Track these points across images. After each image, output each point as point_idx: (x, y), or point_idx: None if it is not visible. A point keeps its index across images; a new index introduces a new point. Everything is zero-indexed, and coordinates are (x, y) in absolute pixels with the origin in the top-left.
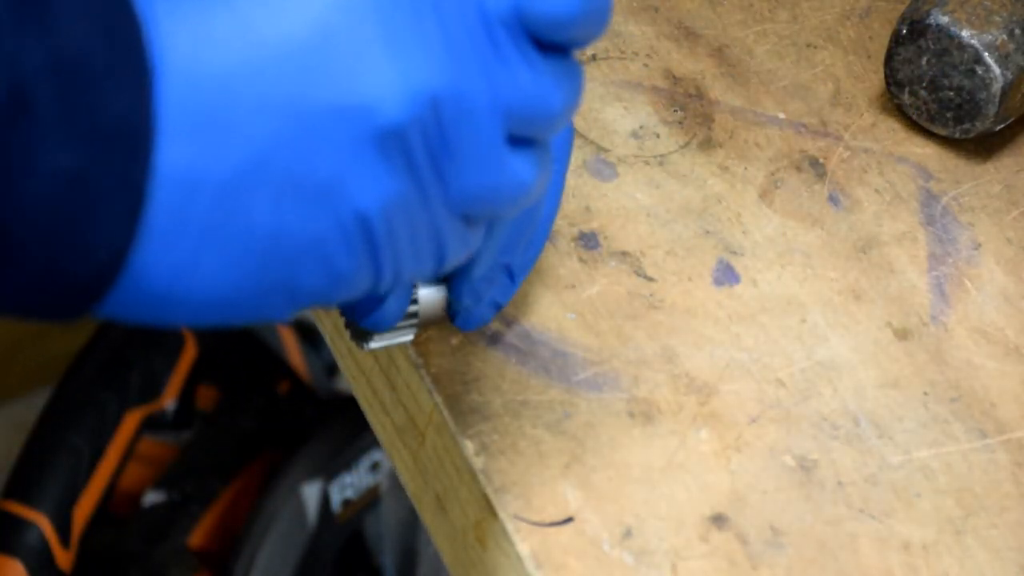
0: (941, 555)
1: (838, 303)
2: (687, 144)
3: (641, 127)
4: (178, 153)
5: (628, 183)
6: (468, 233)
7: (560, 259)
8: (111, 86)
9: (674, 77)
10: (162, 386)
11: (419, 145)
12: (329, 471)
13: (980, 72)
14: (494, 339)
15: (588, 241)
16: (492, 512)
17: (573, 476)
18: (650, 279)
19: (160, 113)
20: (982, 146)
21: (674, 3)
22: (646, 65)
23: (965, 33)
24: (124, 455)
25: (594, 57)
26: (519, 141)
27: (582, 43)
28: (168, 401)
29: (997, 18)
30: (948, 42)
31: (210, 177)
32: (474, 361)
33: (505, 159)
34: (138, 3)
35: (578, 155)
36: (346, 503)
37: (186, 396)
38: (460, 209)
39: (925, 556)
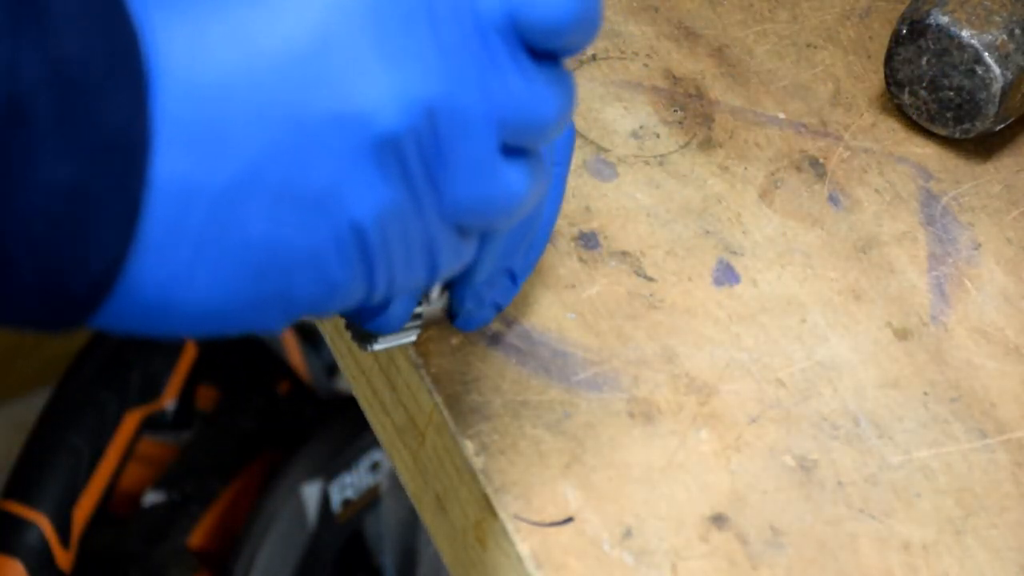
0: (941, 555)
1: (838, 303)
2: (687, 144)
3: (641, 127)
4: (174, 163)
5: (628, 183)
6: (461, 244)
7: (560, 259)
8: (108, 97)
9: (674, 77)
10: (162, 386)
11: (414, 154)
12: (329, 471)
13: (980, 72)
14: (494, 339)
15: (588, 241)
16: (492, 512)
17: (573, 476)
18: (650, 279)
19: (156, 124)
20: (982, 146)
21: (674, 3)
22: (646, 65)
23: (965, 33)
24: (124, 455)
25: (594, 57)
26: (513, 151)
27: (574, 50)
28: (168, 401)
29: (997, 18)
30: (948, 42)
31: (206, 187)
32: (474, 361)
33: (499, 169)
34: (135, 13)
35: (578, 155)
36: (346, 503)
37: (186, 396)
38: (453, 219)
39: (925, 556)
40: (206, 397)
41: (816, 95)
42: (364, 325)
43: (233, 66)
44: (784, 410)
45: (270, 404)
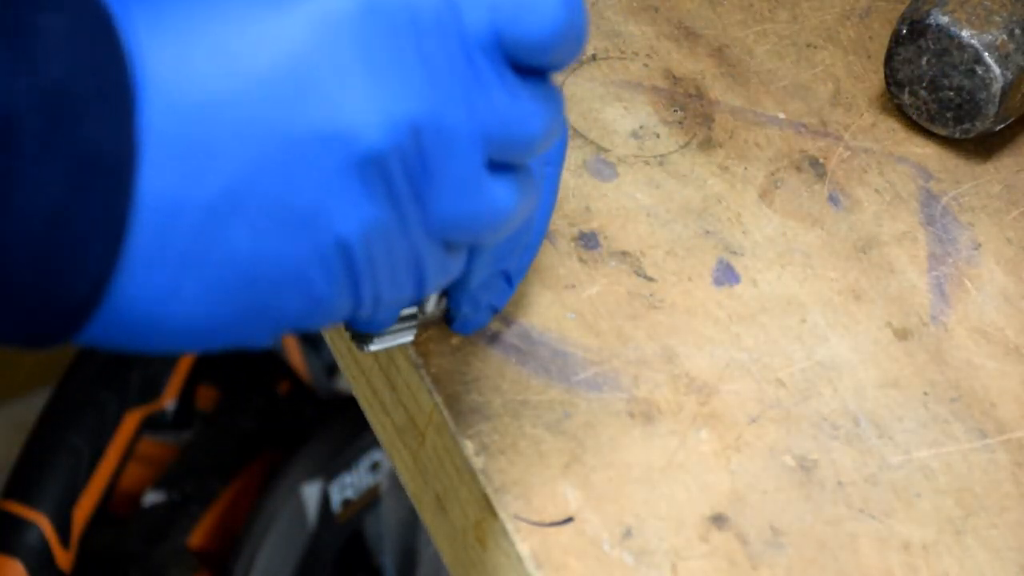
0: (941, 555)
1: (838, 303)
2: (687, 144)
3: (641, 127)
4: (159, 181)
5: (628, 183)
6: (448, 259)
7: (560, 259)
8: (95, 117)
9: (674, 77)
10: (162, 386)
11: (399, 172)
12: (329, 471)
13: (980, 72)
14: (494, 339)
15: (588, 241)
16: (492, 512)
17: (573, 476)
18: (650, 279)
19: (142, 142)
20: (982, 146)
21: (674, 3)
22: (646, 65)
23: (965, 33)
24: (124, 455)
25: (594, 57)
26: (499, 167)
27: (560, 66)
28: (168, 401)
29: (997, 18)
30: (948, 42)
31: (191, 205)
32: (474, 361)
33: (485, 186)
34: (123, 31)
35: (578, 155)
36: (346, 503)
37: (186, 396)
38: (440, 235)
39: (925, 556)
40: (206, 397)
41: (816, 95)
42: (353, 326)
43: (219, 84)
44: (784, 410)
45: (270, 404)
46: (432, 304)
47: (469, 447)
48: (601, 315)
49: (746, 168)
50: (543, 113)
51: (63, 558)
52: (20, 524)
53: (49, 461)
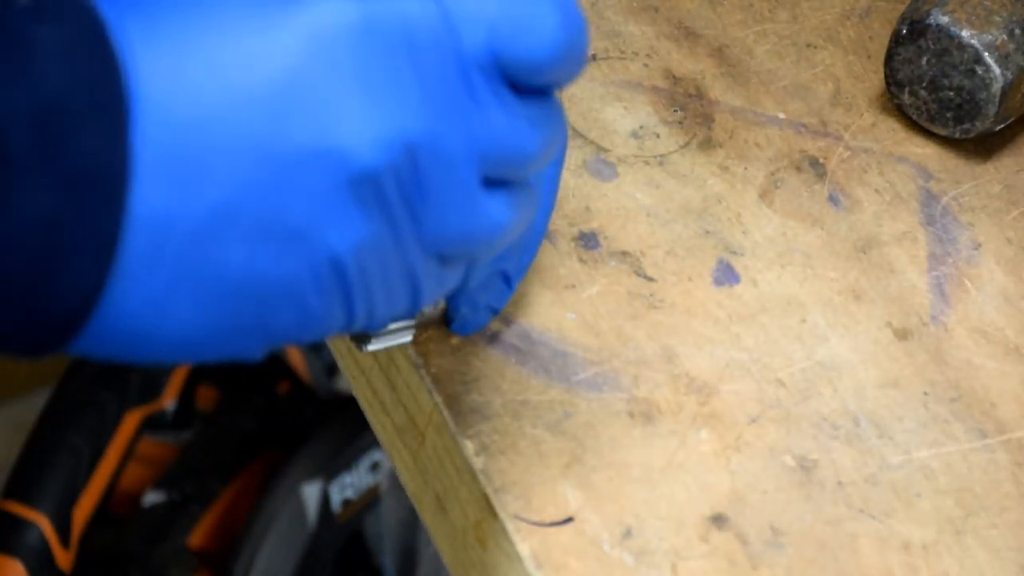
0: (941, 555)
1: (838, 303)
2: (687, 144)
3: (641, 127)
4: (152, 196)
5: (628, 183)
6: (444, 273)
7: (560, 259)
8: (89, 131)
9: (674, 77)
10: (162, 386)
11: (393, 190)
12: (329, 471)
13: (980, 72)
14: (494, 339)
15: (588, 241)
16: (492, 512)
17: (573, 476)
18: (650, 279)
19: (136, 156)
20: (982, 146)
21: (674, 3)
22: (646, 65)
23: (965, 33)
24: (124, 455)
25: (594, 57)
26: (495, 182)
27: (559, 85)
28: (168, 401)
29: (997, 18)
30: (948, 42)
31: (183, 220)
32: (474, 361)
33: (480, 202)
34: (117, 44)
35: (578, 155)
36: (346, 503)
37: (186, 396)
38: (435, 251)
39: (925, 556)
40: (206, 397)
41: (816, 95)
42: None
43: (213, 98)
44: (784, 410)
45: (270, 404)
46: (430, 305)
47: (469, 447)
48: (601, 315)
49: (746, 168)
50: (540, 132)
51: (63, 558)
52: (20, 524)
53: (49, 461)
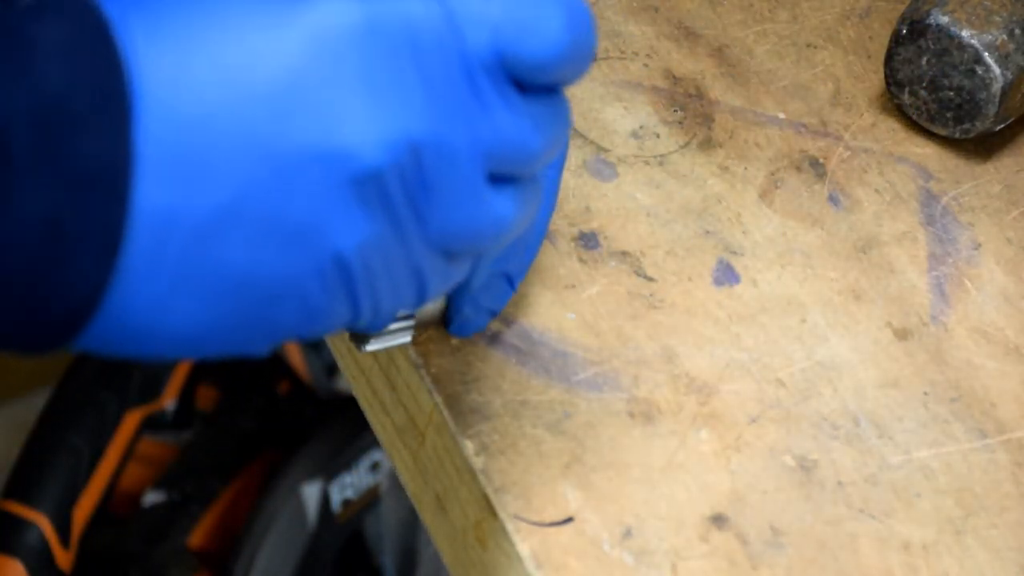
0: (941, 555)
1: (838, 303)
2: (687, 144)
3: (641, 127)
4: (155, 195)
5: (628, 183)
6: (450, 268)
7: (560, 259)
8: (91, 130)
9: (674, 77)
10: (162, 386)
11: (397, 189)
12: (329, 471)
13: (980, 72)
14: (494, 339)
15: (588, 241)
16: (492, 512)
17: (573, 476)
18: (650, 279)
19: (139, 155)
20: (982, 146)
21: (674, 3)
22: (646, 65)
23: (965, 33)
24: (124, 455)
25: (594, 57)
26: (500, 178)
27: (565, 83)
28: (168, 401)
29: (997, 18)
30: (948, 42)
31: (187, 218)
32: (474, 361)
33: (485, 198)
34: (120, 42)
35: (578, 155)
36: (346, 503)
37: (186, 396)
38: (441, 247)
39: (925, 556)
40: (206, 397)
41: (816, 95)
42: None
43: (216, 97)
44: (784, 410)
45: (270, 404)
46: (430, 305)
47: (469, 447)
48: (601, 315)
49: (746, 168)
50: (545, 129)
51: (63, 558)
52: (20, 524)
53: (49, 461)
